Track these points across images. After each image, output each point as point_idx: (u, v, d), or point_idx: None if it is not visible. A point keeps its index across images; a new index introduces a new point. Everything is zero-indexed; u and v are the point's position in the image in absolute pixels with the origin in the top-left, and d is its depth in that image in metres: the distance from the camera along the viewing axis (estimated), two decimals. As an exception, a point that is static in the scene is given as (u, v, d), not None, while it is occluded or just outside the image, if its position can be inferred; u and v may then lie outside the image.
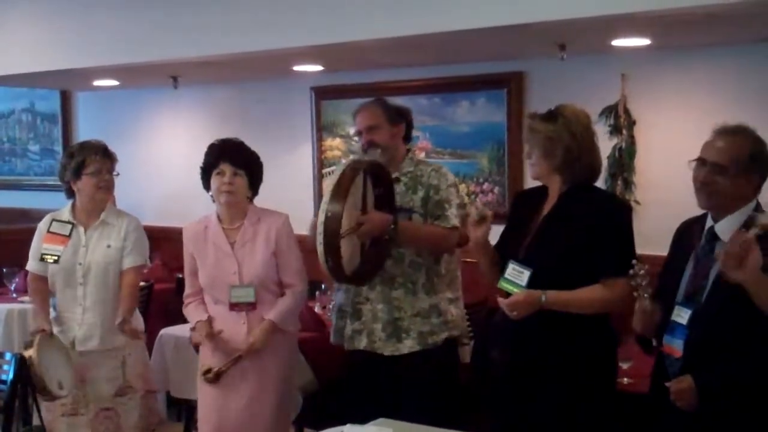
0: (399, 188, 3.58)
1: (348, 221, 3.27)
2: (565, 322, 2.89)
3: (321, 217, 3.20)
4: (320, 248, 3.19)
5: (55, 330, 3.84)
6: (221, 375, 3.53)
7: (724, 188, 2.61)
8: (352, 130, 5.90)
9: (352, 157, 3.51)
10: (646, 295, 2.69)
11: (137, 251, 3.87)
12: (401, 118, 3.70)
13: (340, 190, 3.23)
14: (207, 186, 3.64)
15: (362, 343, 3.61)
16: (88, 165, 3.80)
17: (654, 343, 2.79)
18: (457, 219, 3.51)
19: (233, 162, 3.56)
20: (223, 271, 3.59)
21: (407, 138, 3.77)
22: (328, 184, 3.31)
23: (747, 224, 2.49)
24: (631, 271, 2.68)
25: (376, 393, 3.58)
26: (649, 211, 4.55)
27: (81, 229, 3.86)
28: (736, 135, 2.65)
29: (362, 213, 3.39)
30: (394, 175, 3.57)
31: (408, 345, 3.55)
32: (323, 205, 3.22)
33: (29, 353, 3.59)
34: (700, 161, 2.66)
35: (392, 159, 3.62)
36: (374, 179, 3.47)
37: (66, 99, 7.68)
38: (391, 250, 3.53)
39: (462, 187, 4.53)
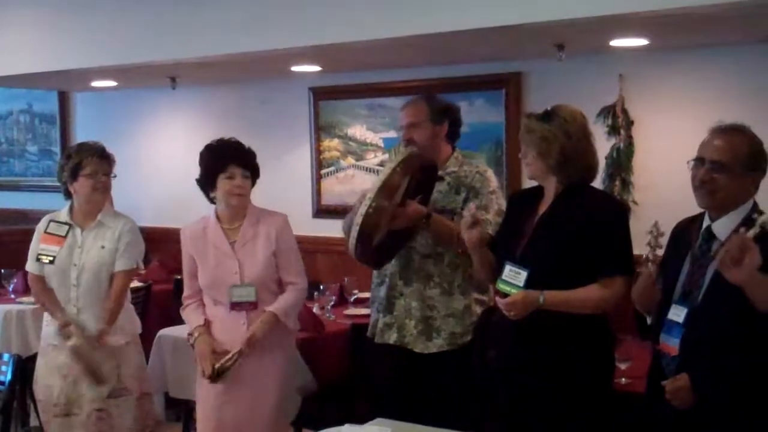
0: (443, 187, 3.60)
1: (387, 220, 3.32)
2: (562, 322, 2.89)
3: (362, 209, 3.24)
4: (354, 233, 3.25)
5: (51, 329, 3.84)
6: (224, 372, 3.49)
7: (724, 186, 2.62)
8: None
9: (409, 148, 3.54)
10: (651, 260, 2.70)
11: (129, 254, 3.86)
12: (445, 117, 3.68)
13: (388, 191, 3.26)
14: (209, 187, 3.61)
15: (392, 338, 3.64)
16: (85, 166, 3.80)
17: (648, 320, 2.80)
18: (491, 227, 3.43)
19: (242, 164, 3.56)
20: (224, 272, 3.58)
21: (455, 136, 3.75)
22: (380, 174, 3.34)
23: (747, 224, 2.48)
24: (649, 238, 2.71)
25: (398, 387, 3.61)
26: (647, 211, 4.54)
27: (78, 230, 3.86)
28: (734, 133, 2.67)
29: (400, 205, 3.39)
30: (438, 173, 3.59)
31: (438, 344, 3.57)
32: (368, 200, 3.24)
33: (74, 342, 3.63)
34: (699, 160, 2.67)
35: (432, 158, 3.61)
36: (422, 172, 3.48)
37: (64, 100, 7.67)
38: (413, 239, 3.55)
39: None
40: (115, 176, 3.91)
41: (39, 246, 3.86)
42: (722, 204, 2.65)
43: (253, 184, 3.65)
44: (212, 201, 3.66)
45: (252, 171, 3.61)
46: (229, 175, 3.55)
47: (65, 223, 3.87)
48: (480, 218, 3.02)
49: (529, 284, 2.88)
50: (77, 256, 3.82)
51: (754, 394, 2.57)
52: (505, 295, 2.93)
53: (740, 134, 2.67)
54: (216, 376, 3.49)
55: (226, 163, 3.55)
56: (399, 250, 3.60)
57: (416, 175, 3.42)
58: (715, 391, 2.57)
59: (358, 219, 3.24)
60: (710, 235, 2.67)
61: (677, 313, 2.66)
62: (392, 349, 3.65)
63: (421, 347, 3.59)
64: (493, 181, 3.65)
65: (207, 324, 3.61)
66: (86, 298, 3.80)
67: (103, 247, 3.83)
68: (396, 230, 3.46)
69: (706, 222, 2.70)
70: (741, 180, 2.63)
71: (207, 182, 3.62)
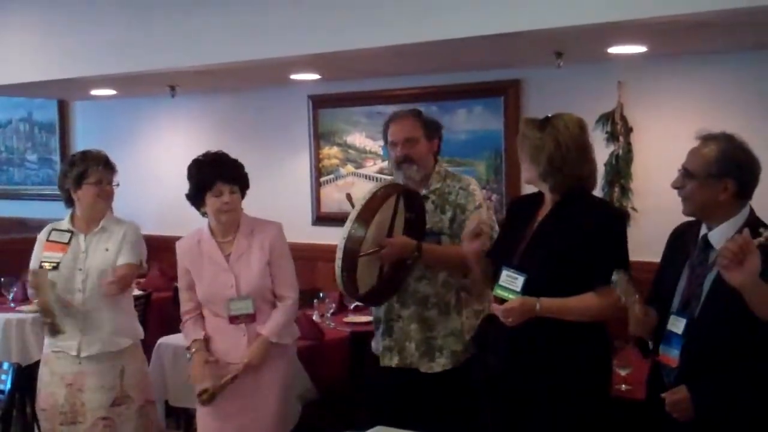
0: (427, 206, 3.52)
1: (371, 243, 3.27)
2: (560, 329, 2.88)
3: (343, 233, 3.21)
4: (338, 263, 3.22)
5: (57, 336, 3.83)
6: (216, 395, 3.49)
7: (692, 193, 2.65)
8: (347, 138, 5.91)
9: (389, 177, 3.50)
10: (635, 299, 2.68)
11: (132, 251, 3.85)
12: (436, 132, 3.61)
13: (367, 212, 3.24)
14: (198, 203, 3.60)
15: (394, 361, 3.58)
16: (90, 175, 3.81)
17: (650, 345, 2.79)
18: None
19: (228, 180, 3.54)
20: (221, 286, 3.57)
21: (438, 152, 3.67)
22: (359, 199, 3.31)
23: (756, 232, 2.42)
24: (611, 284, 2.68)
25: (402, 407, 3.55)
26: (646, 217, 4.56)
27: (81, 236, 3.87)
28: (708, 141, 2.68)
29: (388, 235, 3.35)
30: (422, 193, 3.53)
31: (441, 363, 3.53)
32: (348, 223, 3.23)
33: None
34: (682, 167, 2.70)
35: (426, 176, 3.55)
36: (407, 202, 3.43)
37: (63, 108, 7.69)
38: (410, 274, 3.51)
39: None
40: (117, 185, 3.92)
41: (42, 254, 3.86)
42: (698, 211, 2.68)
43: (243, 194, 3.63)
44: (203, 215, 3.65)
45: (240, 183, 3.59)
46: (216, 193, 3.52)
47: (67, 231, 3.88)
48: (483, 231, 3.00)
49: (527, 290, 2.88)
50: (82, 261, 3.82)
51: (754, 405, 2.57)
52: (502, 301, 2.92)
53: (714, 142, 2.66)
54: (209, 399, 3.49)
55: (212, 180, 3.52)
56: (395, 293, 3.54)
57: (400, 201, 3.37)
58: (715, 402, 2.57)
59: (341, 244, 3.21)
60: (707, 245, 2.67)
61: (676, 324, 2.65)
62: (395, 371, 3.59)
63: (425, 367, 3.54)
64: (478, 196, 3.56)
65: (205, 339, 3.60)
66: (92, 302, 3.80)
67: (107, 249, 3.83)
68: (389, 272, 3.42)
69: (702, 231, 2.70)
70: (708, 187, 2.62)
71: (195, 199, 3.60)
